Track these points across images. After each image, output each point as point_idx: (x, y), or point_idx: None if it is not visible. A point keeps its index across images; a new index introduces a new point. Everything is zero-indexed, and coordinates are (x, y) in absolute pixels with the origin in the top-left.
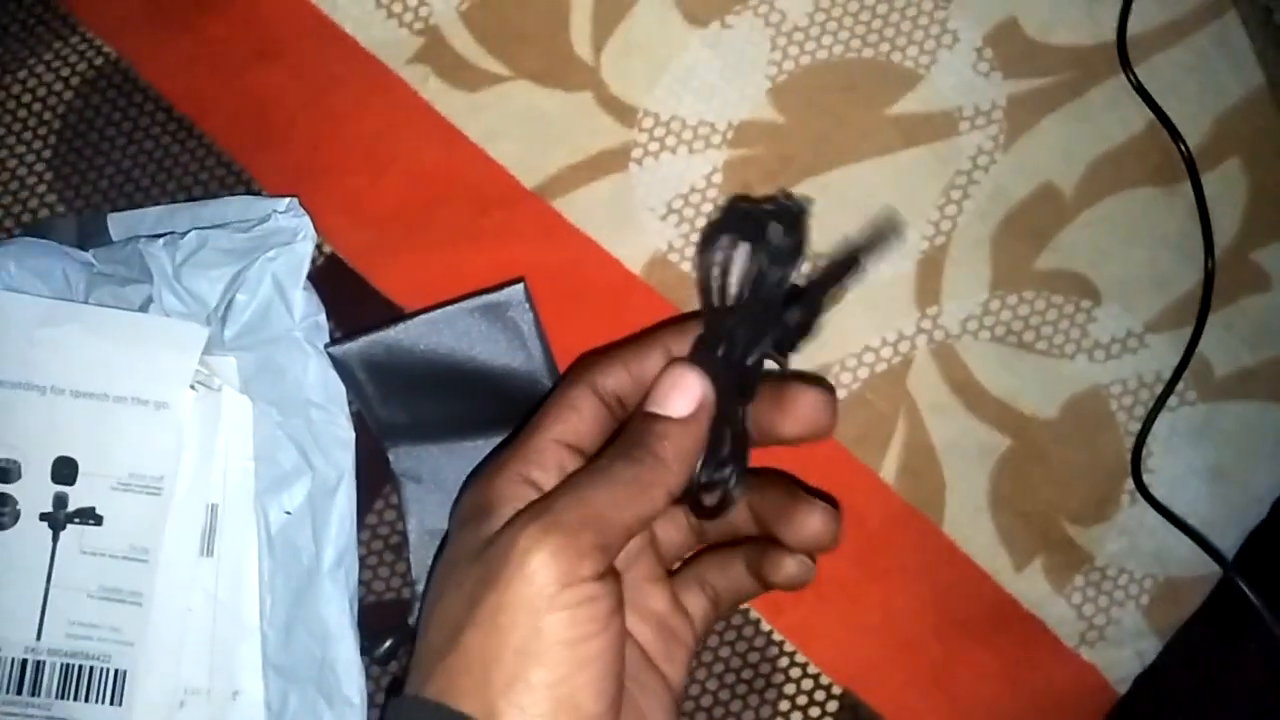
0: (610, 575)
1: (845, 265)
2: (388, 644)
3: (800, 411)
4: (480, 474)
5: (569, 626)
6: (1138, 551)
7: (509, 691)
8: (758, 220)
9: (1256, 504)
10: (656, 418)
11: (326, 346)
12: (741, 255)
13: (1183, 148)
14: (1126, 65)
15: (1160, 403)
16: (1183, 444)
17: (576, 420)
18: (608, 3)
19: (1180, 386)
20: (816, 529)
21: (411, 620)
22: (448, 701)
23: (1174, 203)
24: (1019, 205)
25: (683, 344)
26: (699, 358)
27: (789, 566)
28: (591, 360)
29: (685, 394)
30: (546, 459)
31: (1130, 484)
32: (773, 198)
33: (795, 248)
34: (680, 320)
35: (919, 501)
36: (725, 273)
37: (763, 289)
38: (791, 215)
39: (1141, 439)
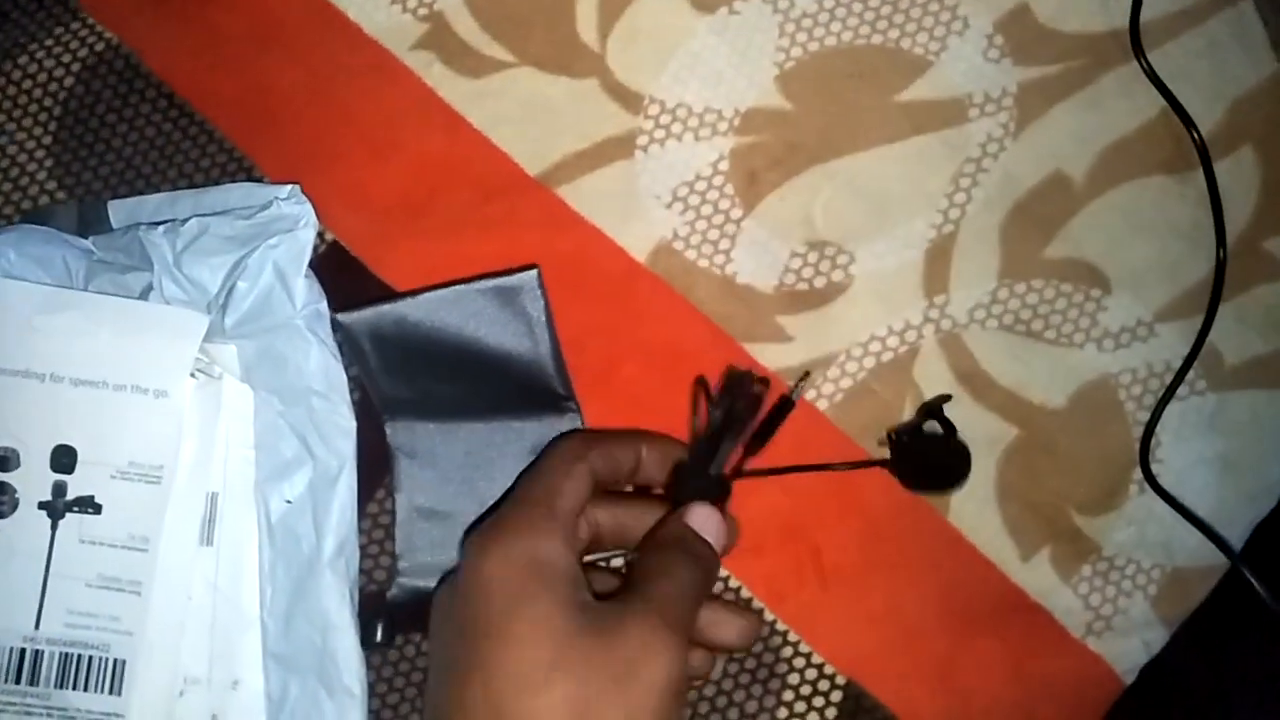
0: None
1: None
2: (380, 628)
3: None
4: (502, 536)
5: (680, 715)
6: (1146, 542)
7: None
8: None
9: (1266, 494)
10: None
11: (334, 313)
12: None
13: (1195, 135)
14: (1139, 52)
15: (1170, 392)
16: (1192, 434)
17: (582, 492)
18: None
19: (1190, 376)
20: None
21: (391, 594)
22: None
23: (1186, 191)
24: (1029, 193)
25: (656, 449)
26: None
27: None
28: (583, 441)
29: (717, 532)
30: (569, 526)
31: (1139, 474)
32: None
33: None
34: (653, 434)
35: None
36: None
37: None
38: (752, 397)
39: (1150, 429)
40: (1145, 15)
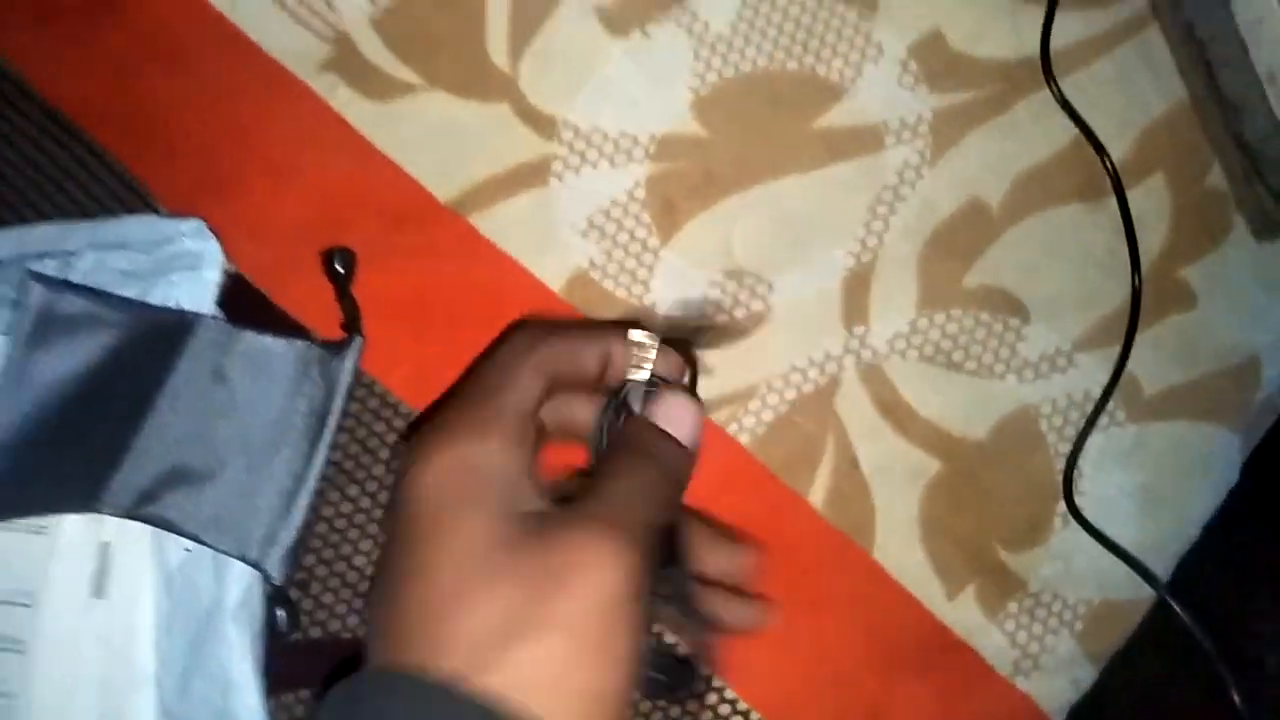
0: None
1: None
2: (284, 616)
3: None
4: (439, 439)
5: (628, 634)
6: (1071, 576)
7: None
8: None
9: (1189, 524)
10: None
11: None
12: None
13: (1107, 162)
14: (1050, 78)
15: (1090, 423)
16: (1113, 465)
17: (531, 391)
18: (526, 10)
19: (1110, 406)
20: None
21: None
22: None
23: (1100, 219)
24: (946, 222)
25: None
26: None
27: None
28: (536, 335)
29: (688, 424)
30: (514, 428)
31: (1062, 507)
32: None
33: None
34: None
35: (849, 527)
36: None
37: None
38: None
39: (1073, 461)
40: (1056, 43)
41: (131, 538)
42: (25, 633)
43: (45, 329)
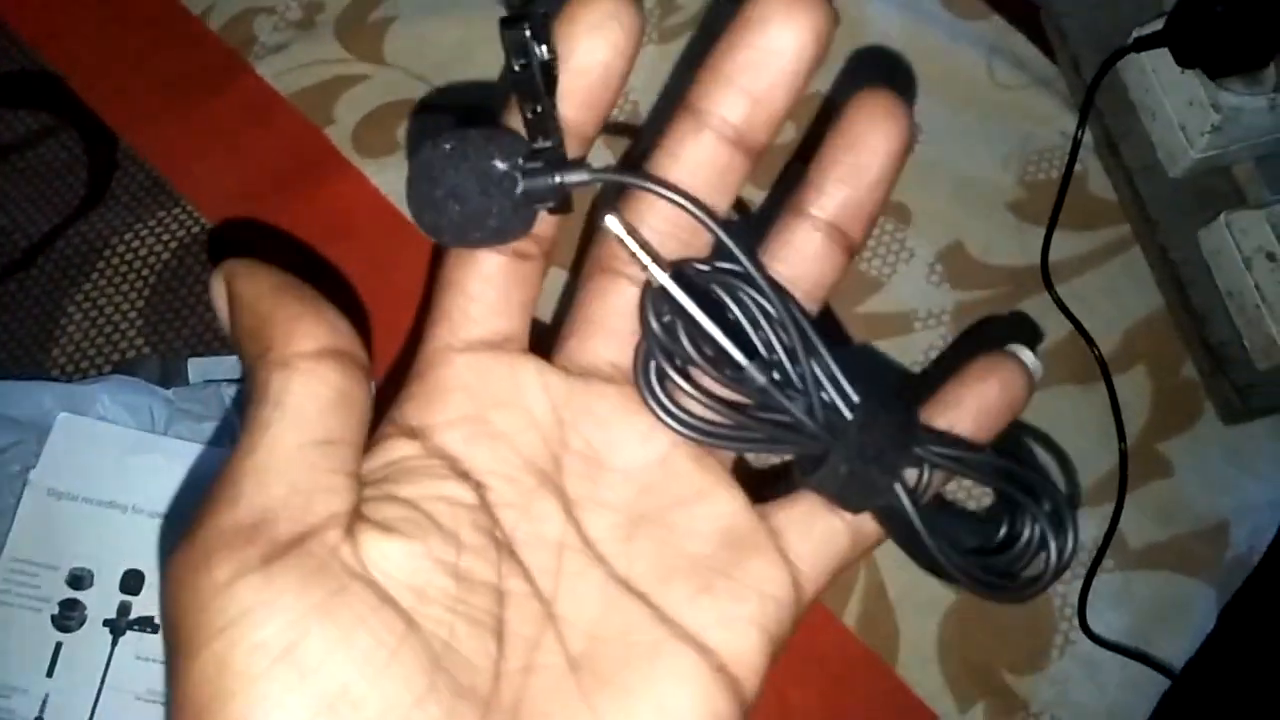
0: None
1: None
2: None
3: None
4: None
5: None
6: (1068, 701)
7: None
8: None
9: (1170, 665)
10: None
11: None
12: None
13: (1097, 354)
14: (1049, 285)
15: (1094, 568)
16: (1105, 606)
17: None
18: None
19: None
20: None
21: None
22: None
23: (1091, 399)
24: None
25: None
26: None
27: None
28: None
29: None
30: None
31: (1059, 639)
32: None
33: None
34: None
35: (876, 645)
36: None
37: None
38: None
39: (1084, 597)
40: (1054, 256)
41: None
42: None
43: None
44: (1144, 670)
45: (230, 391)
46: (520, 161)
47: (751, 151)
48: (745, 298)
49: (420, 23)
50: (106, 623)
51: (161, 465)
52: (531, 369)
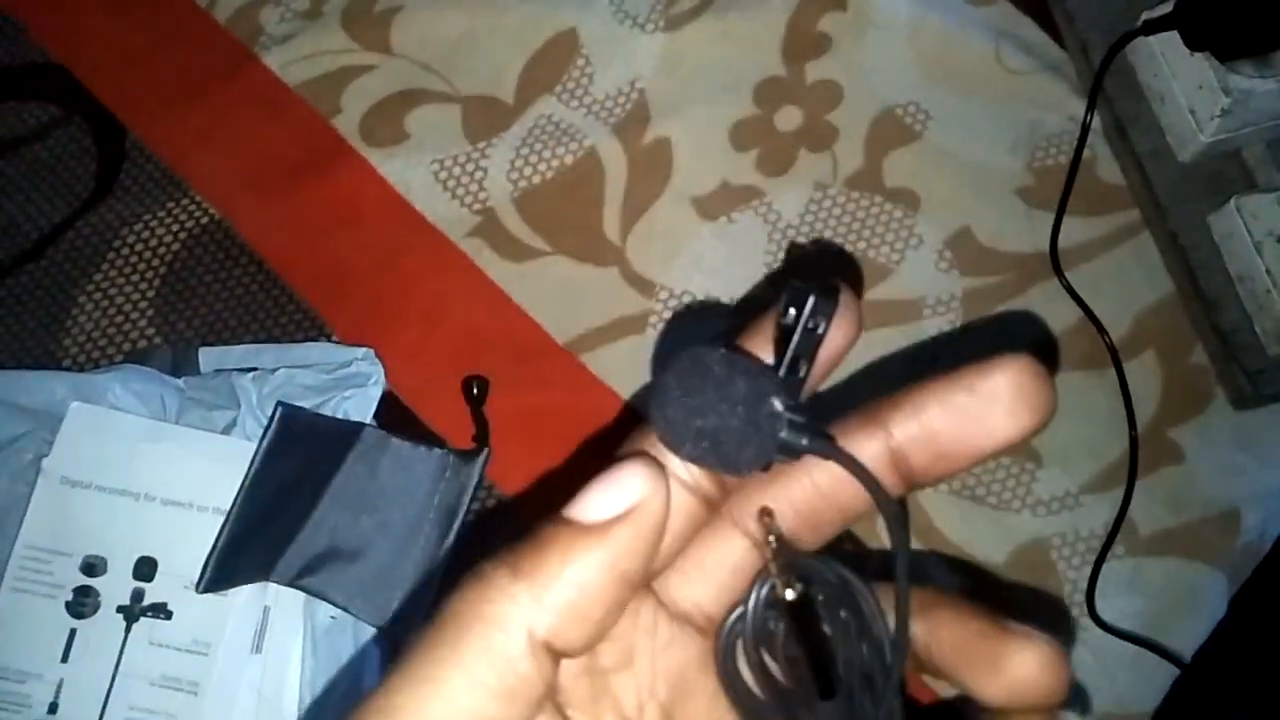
0: None
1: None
2: None
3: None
4: None
5: None
6: (1076, 689)
7: None
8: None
9: (1181, 653)
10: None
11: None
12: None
13: (1107, 340)
14: (1059, 271)
15: (1103, 555)
16: (1115, 593)
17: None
18: (635, 197)
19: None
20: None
21: None
22: None
23: (1102, 385)
24: None
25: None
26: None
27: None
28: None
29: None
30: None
31: (1067, 626)
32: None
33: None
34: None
35: None
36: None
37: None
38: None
39: (1093, 581)
40: (1064, 242)
41: (287, 603)
42: (200, 676)
43: (280, 443)
44: (1153, 658)
45: (241, 380)
46: (784, 410)
47: (901, 482)
48: (849, 618)
49: (426, 12)
50: (120, 609)
51: (173, 453)
52: (650, 607)
